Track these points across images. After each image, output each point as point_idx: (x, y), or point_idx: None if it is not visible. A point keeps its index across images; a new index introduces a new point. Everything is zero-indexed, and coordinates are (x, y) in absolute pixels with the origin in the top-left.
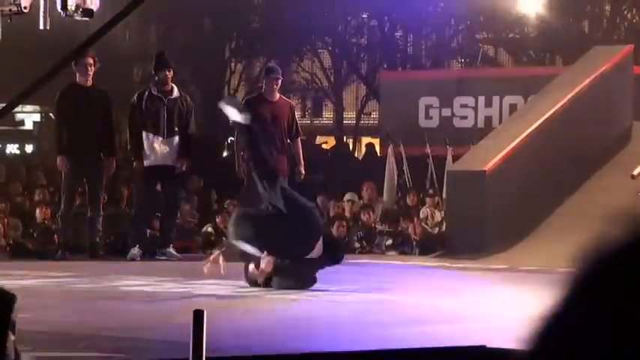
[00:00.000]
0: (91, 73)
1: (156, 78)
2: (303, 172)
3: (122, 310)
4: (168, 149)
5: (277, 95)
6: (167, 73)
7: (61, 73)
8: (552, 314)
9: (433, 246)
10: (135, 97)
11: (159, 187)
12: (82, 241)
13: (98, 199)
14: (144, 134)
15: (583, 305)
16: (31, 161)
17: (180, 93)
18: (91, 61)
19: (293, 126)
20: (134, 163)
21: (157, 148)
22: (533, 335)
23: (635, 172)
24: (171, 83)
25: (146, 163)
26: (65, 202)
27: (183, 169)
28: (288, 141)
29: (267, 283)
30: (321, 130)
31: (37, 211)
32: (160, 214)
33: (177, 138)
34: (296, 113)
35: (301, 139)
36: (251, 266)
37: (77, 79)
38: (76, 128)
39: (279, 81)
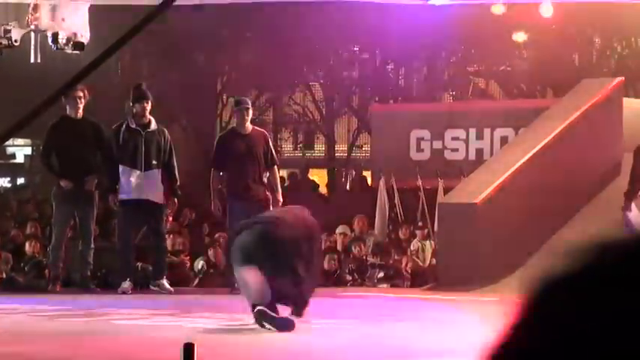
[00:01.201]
0: (80, 105)
1: (133, 110)
2: (281, 199)
3: (113, 344)
4: (145, 183)
5: (249, 127)
6: (145, 104)
7: (53, 106)
8: (504, 340)
9: (424, 278)
10: (112, 130)
11: (139, 220)
12: (72, 274)
13: (89, 232)
14: (121, 168)
15: (535, 329)
16: (22, 194)
17: (157, 126)
18: (80, 94)
19: (268, 155)
20: (109, 198)
21: (134, 181)
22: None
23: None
24: (149, 116)
25: (124, 197)
26: (56, 235)
27: (173, 209)
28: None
29: None
30: (313, 162)
31: (27, 244)
32: (149, 247)
33: (155, 172)
34: (270, 142)
35: (294, 173)
36: None
37: (67, 112)
38: (67, 161)
39: (249, 111)
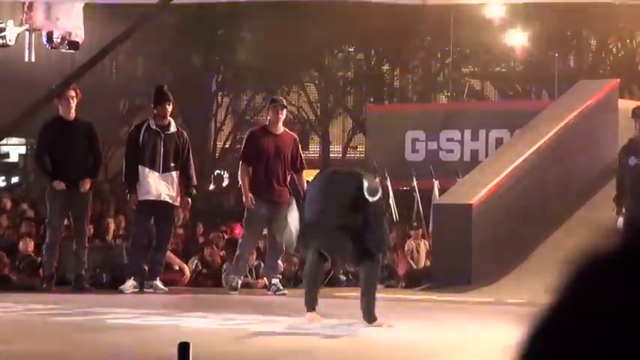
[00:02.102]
0: (73, 105)
1: (155, 111)
2: None
3: (107, 342)
4: (163, 184)
5: (282, 128)
6: (167, 106)
7: (48, 106)
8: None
9: (419, 279)
10: (132, 129)
11: (152, 220)
12: (67, 273)
13: (83, 231)
14: (140, 168)
15: (577, 305)
16: (16, 194)
17: (177, 128)
18: (73, 93)
19: (297, 159)
20: (128, 196)
21: (152, 183)
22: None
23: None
24: (169, 117)
25: (141, 197)
26: (50, 234)
27: (187, 210)
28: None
29: None
30: (308, 163)
31: (21, 243)
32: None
33: (173, 174)
34: (300, 147)
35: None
36: None
37: (60, 112)
38: (60, 161)
39: (284, 110)
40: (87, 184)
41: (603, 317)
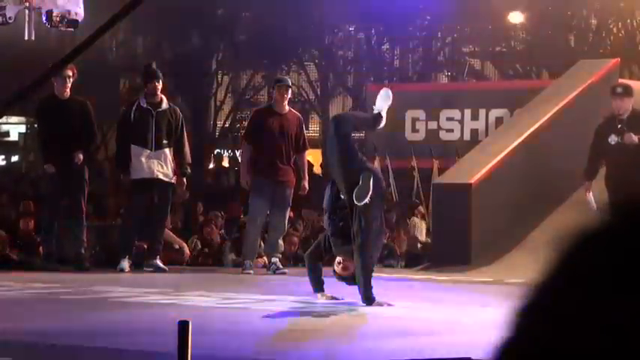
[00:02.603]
0: (69, 84)
1: (145, 89)
2: (307, 186)
3: (107, 320)
4: (156, 162)
5: (287, 108)
6: (156, 83)
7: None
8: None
9: (418, 259)
10: (123, 109)
11: (149, 199)
12: (66, 252)
13: (80, 210)
14: (132, 147)
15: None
16: (16, 172)
17: (169, 105)
18: (69, 72)
19: (301, 139)
20: (121, 176)
21: (145, 161)
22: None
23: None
24: (160, 94)
25: (135, 176)
26: (48, 214)
27: (183, 189)
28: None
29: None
30: (308, 142)
31: (21, 222)
32: (148, 226)
33: (166, 151)
34: (304, 127)
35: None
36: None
37: (55, 91)
38: (56, 140)
39: (289, 90)
40: (80, 156)
41: (588, 295)
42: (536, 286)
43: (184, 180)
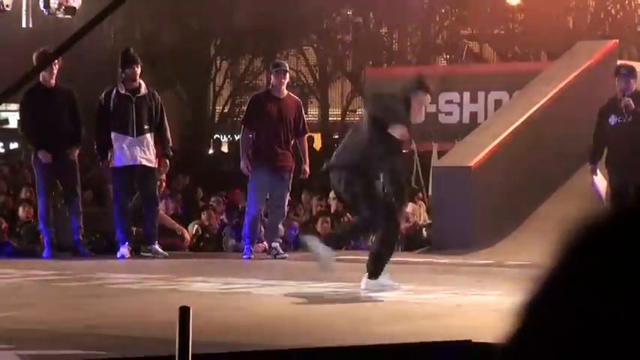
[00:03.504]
0: (55, 72)
1: (123, 75)
2: (308, 170)
3: (107, 307)
4: (138, 148)
5: (285, 92)
6: (135, 69)
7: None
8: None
9: (418, 242)
10: (102, 97)
11: (133, 185)
12: (65, 239)
13: (76, 196)
14: (113, 134)
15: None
16: (15, 160)
17: (148, 89)
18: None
19: (300, 123)
20: (101, 164)
21: (127, 147)
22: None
23: (593, 181)
24: (139, 80)
25: (117, 163)
26: (42, 202)
27: (166, 171)
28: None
29: None
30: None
31: (20, 209)
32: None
33: (147, 136)
34: (303, 110)
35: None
36: None
37: (41, 79)
38: (44, 128)
39: (287, 74)
40: (74, 152)
41: (595, 286)
42: (545, 279)
43: (167, 161)
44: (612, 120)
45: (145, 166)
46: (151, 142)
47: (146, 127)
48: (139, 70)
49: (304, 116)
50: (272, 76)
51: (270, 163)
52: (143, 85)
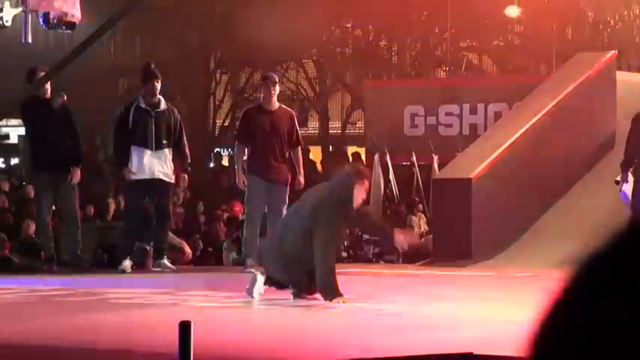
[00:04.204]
0: (48, 87)
1: (144, 90)
2: (303, 181)
3: (108, 322)
4: (156, 162)
5: (276, 104)
6: (155, 83)
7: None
8: (550, 314)
9: (418, 254)
10: (122, 110)
11: (149, 199)
12: (66, 254)
13: (74, 211)
14: (132, 148)
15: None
16: (17, 175)
17: (167, 105)
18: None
19: (293, 135)
20: (124, 175)
21: (145, 161)
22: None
23: (618, 178)
24: (158, 95)
25: (134, 177)
26: (40, 218)
27: (185, 186)
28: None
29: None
30: (307, 140)
31: (23, 225)
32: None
33: (165, 151)
34: (296, 122)
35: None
36: None
37: (36, 93)
38: (40, 143)
39: (276, 86)
40: (77, 177)
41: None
42: (569, 287)
43: (185, 177)
44: None
45: (162, 180)
46: (169, 157)
47: (164, 141)
48: (158, 85)
49: (297, 127)
50: (262, 89)
51: (265, 176)
52: (163, 100)
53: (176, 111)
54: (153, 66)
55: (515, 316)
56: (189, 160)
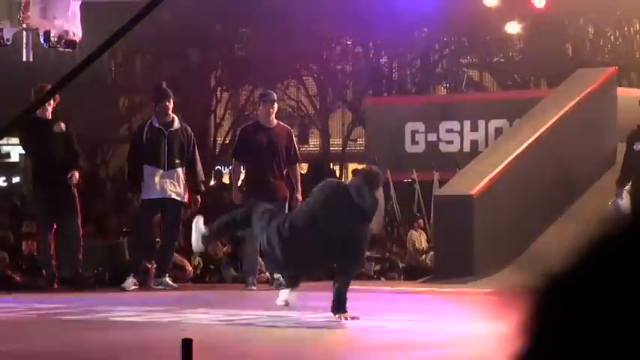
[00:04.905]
0: (49, 108)
1: (156, 109)
2: (300, 198)
3: (109, 340)
4: (168, 182)
5: (274, 122)
6: (167, 103)
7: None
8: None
9: (420, 271)
10: (136, 129)
11: (160, 218)
12: (67, 272)
13: (76, 229)
14: (145, 167)
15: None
16: (17, 194)
17: (181, 124)
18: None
19: (291, 152)
20: (133, 197)
21: (158, 180)
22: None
23: (610, 203)
24: (172, 114)
25: (146, 196)
26: (43, 235)
27: (197, 207)
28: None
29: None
30: (308, 157)
31: (23, 243)
32: (159, 244)
33: (178, 170)
34: (294, 139)
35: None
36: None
37: (37, 113)
38: (41, 162)
39: (274, 104)
40: (75, 175)
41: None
42: (551, 291)
43: (198, 198)
44: (637, 146)
45: (174, 199)
46: (182, 176)
47: (177, 161)
48: (171, 105)
49: (296, 144)
50: (260, 107)
51: (264, 194)
52: (177, 119)
53: (189, 129)
54: (164, 85)
55: (515, 334)
56: (202, 179)
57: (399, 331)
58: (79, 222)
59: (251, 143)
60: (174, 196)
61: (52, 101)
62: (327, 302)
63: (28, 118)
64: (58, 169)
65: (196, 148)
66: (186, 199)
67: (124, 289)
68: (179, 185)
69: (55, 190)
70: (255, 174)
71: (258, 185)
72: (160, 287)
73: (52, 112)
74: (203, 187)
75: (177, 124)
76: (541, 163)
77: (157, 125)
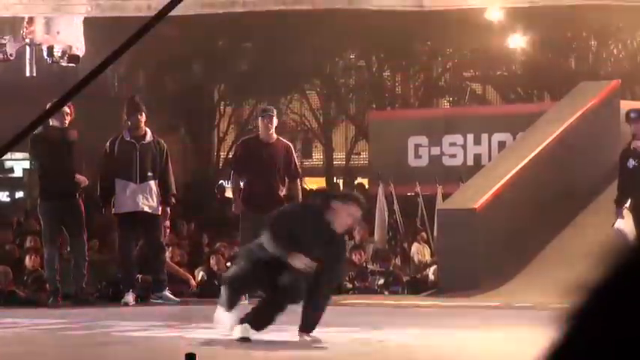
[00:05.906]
0: (66, 122)
1: (128, 123)
2: None
3: (112, 355)
4: (141, 196)
5: (274, 137)
6: (139, 117)
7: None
8: (555, 348)
9: (424, 285)
10: (107, 144)
11: (137, 232)
12: (71, 287)
13: (80, 243)
14: (116, 181)
15: (586, 336)
16: (21, 208)
17: (153, 137)
18: (67, 110)
19: (291, 167)
20: (103, 211)
21: (130, 194)
22: None
23: (612, 225)
24: (144, 127)
25: (120, 210)
26: (48, 250)
27: (167, 219)
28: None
29: None
30: (311, 171)
31: (27, 258)
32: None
33: (151, 183)
34: (294, 154)
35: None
36: None
37: (57, 122)
38: (50, 173)
39: (274, 119)
40: (85, 179)
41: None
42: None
43: (168, 210)
44: (630, 163)
45: (147, 212)
46: (154, 189)
47: (149, 174)
48: (143, 118)
49: (296, 160)
50: (260, 122)
51: (262, 210)
52: (149, 132)
53: (162, 142)
54: (137, 98)
55: (522, 347)
56: (173, 192)
57: (403, 345)
58: (85, 238)
59: (250, 157)
60: (147, 209)
61: (68, 117)
62: (330, 316)
63: (44, 127)
64: (65, 181)
65: (169, 161)
66: (160, 212)
67: (126, 304)
68: (152, 198)
69: (62, 205)
70: (253, 189)
71: (256, 200)
72: (160, 301)
73: (69, 123)
74: (174, 200)
75: (149, 137)
76: (544, 176)
77: (128, 139)
